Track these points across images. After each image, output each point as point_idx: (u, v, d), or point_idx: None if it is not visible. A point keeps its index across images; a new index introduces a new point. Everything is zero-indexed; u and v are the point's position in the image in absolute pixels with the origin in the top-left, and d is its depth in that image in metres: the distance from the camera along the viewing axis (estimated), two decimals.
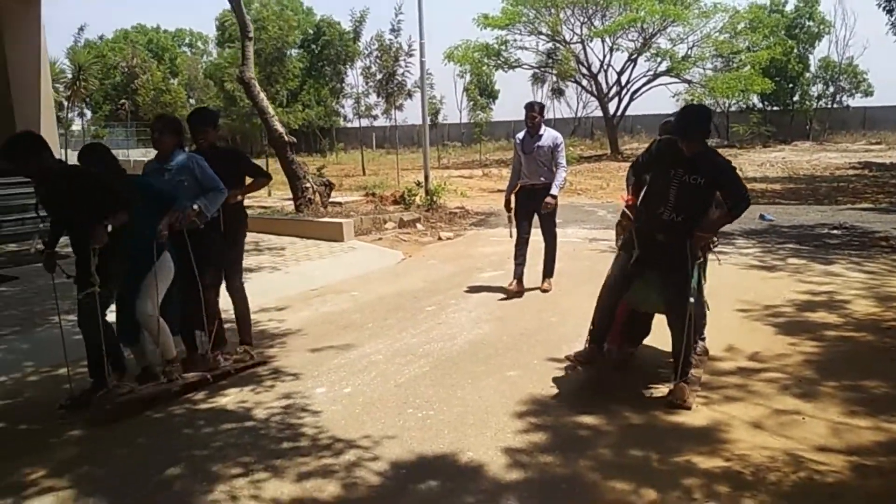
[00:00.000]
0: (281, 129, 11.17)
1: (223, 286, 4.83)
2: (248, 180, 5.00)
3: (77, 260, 3.99)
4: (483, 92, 37.95)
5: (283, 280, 7.29)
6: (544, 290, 6.73)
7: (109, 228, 3.90)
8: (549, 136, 6.65)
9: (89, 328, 3.95)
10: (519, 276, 6.66)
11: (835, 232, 9.56)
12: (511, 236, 6.79)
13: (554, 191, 6.53)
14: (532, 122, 6.60)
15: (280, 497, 3.09)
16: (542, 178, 6.58)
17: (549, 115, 38.95)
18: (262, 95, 11.23)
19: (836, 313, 5.67)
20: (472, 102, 38.19)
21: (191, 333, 4.57)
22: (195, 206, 4.19)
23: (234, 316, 4.97)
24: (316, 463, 3.38)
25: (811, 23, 31.94)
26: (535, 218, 6.70)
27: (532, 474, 3.24)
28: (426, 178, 14.13)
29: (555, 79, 30.42)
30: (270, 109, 11.17)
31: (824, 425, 3.65)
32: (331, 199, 12.65)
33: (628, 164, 4.39)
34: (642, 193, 4.19)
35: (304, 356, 4.98)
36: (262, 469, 3.33)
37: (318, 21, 38.80)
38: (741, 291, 6.36)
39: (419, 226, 11.35)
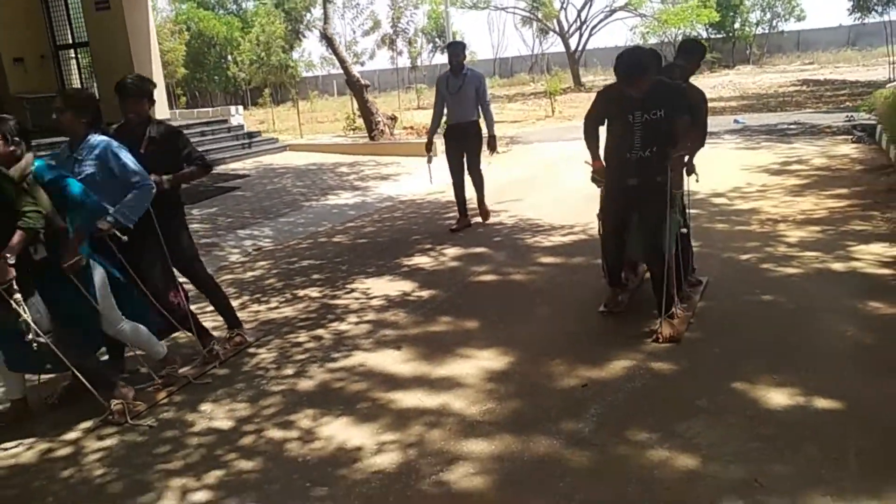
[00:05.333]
0: (357, 74, 14.22)
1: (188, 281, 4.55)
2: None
3: None
4: (440, 34, 40.88)
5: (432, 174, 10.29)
6: (486, 220, 7.44)
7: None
8: (473, 75, 7.05)
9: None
10: (463, 211, 7.34)
11: (792, 127, 13.43)
12: (431, 182, 7.78)
13: (495, 132, 7.22)
14: (456, 60, 6.99)
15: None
16: (470, 117, 7.05)
17: (511, 52, 42.32)
18: (342, 48, 14.23)
19: (805, 165, 9.45)
20: (430, 45, 41.29)
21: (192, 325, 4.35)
22: (108, 220, 3.66)
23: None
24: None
25: None
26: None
27: None
28: None
29: (539, 19, 33.57)
30: (349, 59, 14.17)
31: (810, 202, 7.32)
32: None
33: (593, 95, 4.67)
34: (607, 142, 4.39)
35: (510, 195, 8.41)
36: (540, 235, 6.80)
37: None
38: (739, 160, 10.06)
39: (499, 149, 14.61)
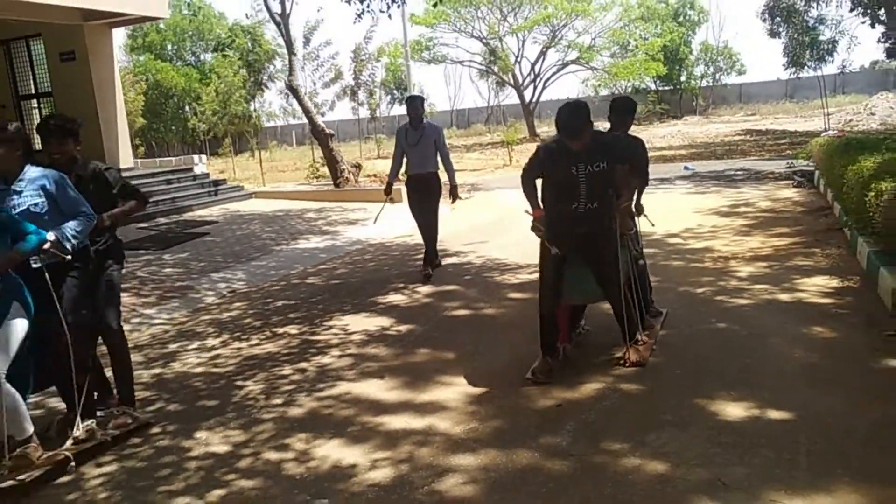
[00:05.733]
0: (322, 124, 14.61)
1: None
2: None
3: None
4: (398, 86, 41.93)
5: (398, 223, 10.52)
6: (427, 276, 7.22)
7: None
8: (431, 128, 7.24)
9: None
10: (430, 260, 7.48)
11: (738, 173, 14.25)
12: (375, 222, 7.97)
13: (456, 182, 7.47)
14: (415, 114, 7.16)
15: None
16: (429, 168, 7.23)
17: (467, 104, 43.56)
18: (306, 98, 14.61)
19: (752, 207, 10.08)
20: (388, 96, 42.28)
21: (67, 388, 3.84)
22: (51, 236, 3.55)
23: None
24: None
25: (692, 11, 38.01)
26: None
27: None
28: None
29: (496, 72, 34.68)
30: (313, 109, 14.56)
31: (757, 241, 7.86)
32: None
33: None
34: (546, 195, 4.46)
35: (476, 238, 8.75)
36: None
37: (231, 26, 41.39)
38: (691, 203, 10.67)
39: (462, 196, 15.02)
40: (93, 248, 3.97)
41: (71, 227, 3.66)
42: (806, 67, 23.02)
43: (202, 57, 43.19)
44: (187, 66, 41.27)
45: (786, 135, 22.64)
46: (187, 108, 36.91)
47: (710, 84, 39.72)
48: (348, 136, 40.53)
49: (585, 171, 4.23)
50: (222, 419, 4.12)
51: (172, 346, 5.65)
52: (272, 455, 3.63)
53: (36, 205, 3.66)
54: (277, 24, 14.23)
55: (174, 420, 4.16)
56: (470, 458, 3.45)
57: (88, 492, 3.40)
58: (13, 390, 3.41)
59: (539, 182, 4.52)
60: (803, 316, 5.19)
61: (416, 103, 7.30)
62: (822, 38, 22.04)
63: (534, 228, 4.51)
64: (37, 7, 11.82)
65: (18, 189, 3.68)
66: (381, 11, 9.44)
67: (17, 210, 3.61)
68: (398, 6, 9.18)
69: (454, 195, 7.58)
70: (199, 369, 5.04)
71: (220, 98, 19.89)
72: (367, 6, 9.60)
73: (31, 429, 3.53)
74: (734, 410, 3.75)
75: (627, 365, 4.42)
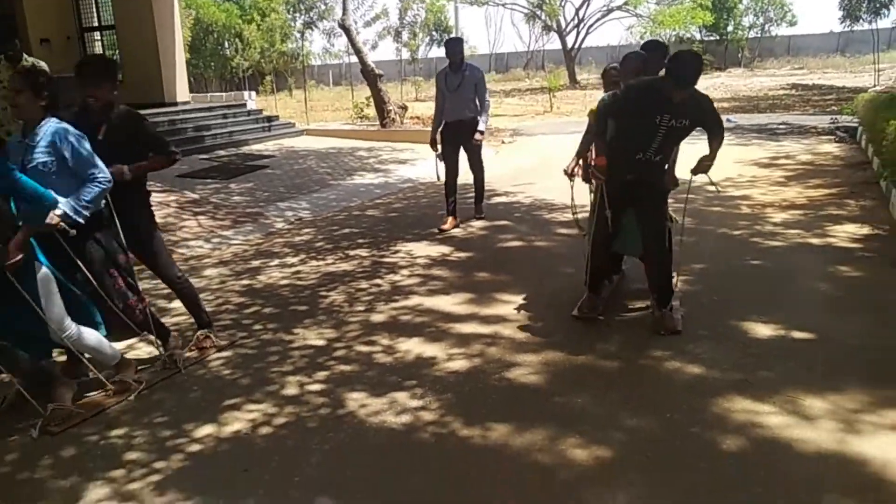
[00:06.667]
0: (372, 64, 15.05)
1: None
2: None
3: None
4: (438, 27, 41.84)
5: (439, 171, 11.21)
6: (479, 218, 7.44)
7: None
8: (472, 70, 7.03)
9: None
10: (453, 211, 7.23)
11: (780, 127, 14.45)
12: (438, 179, 7.47)
13: (481, 126, 7.03)
14: (455, 56, 6.98)
15: None
16: (468, 113, 6.99)
17: (507, 48, 43.27)
18: (358, 38, 15.02)
19: (791, 160, 10.42)
20: (427, 38, 42.23)
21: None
22: (57, 212, 3.36)
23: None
24: None
25: None
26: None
27: None
28: None
29: (543, 16, 34.50)
30: (364, 49, 14.99)
31: (794, 191, 8.27)
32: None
33: (590, 93, 5.90)
34: (610, 139, 4.30)
35: (522, 180, 9.30)
36: None
37: None
38: (731, 155, 10.95)
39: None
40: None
41: (81, 197, 3.46)
42: (861, 20, 22.63)
43: None
44: (228, 2, 41.49)
45: (833, 90, 22.45)
46: (226, 44, 37.35)
47: (759, 35, 39.00)
48: (387, 77, 40.60)
49: (668, 124, 4.06)
50: (314, 320, 4.81)
51: (255, 263, 6.35)
52: (363, 348, 4.31)
53: (44, 164, 3.44)
54: None
55: (272, 320, 4.86)
56: (533, 356, 4.09)
57: (212, 370, 4.12)
58: (87, 329, 3.58)
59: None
60: (831, 257, 5.69)
61: (455, 46, 7.07)
62: None
63: (593, 175, 4.44)
64: None
65: (32, 143, 3.46)
66: None
67: (28, 166, 3.41)
68: None
69: (476, 140, 7.15)
70: (284, 282, 5.73)
71: (264, 35, 20.26)
72: None
73: (116, 355, 3.78)
74: (763, 330, 4.32)
75: (663, 333, 4.27)
